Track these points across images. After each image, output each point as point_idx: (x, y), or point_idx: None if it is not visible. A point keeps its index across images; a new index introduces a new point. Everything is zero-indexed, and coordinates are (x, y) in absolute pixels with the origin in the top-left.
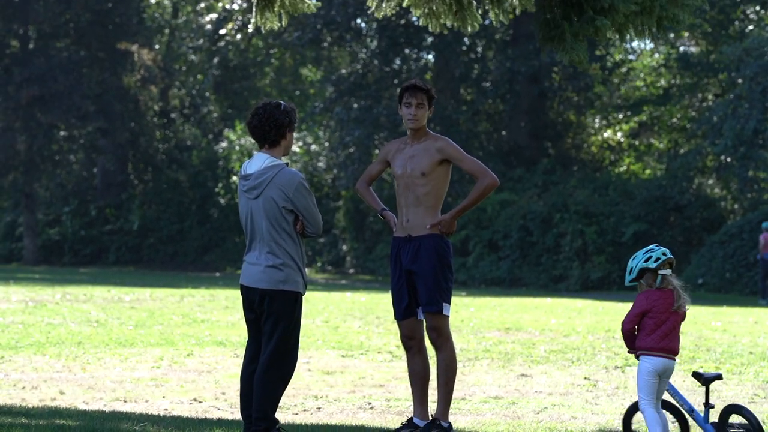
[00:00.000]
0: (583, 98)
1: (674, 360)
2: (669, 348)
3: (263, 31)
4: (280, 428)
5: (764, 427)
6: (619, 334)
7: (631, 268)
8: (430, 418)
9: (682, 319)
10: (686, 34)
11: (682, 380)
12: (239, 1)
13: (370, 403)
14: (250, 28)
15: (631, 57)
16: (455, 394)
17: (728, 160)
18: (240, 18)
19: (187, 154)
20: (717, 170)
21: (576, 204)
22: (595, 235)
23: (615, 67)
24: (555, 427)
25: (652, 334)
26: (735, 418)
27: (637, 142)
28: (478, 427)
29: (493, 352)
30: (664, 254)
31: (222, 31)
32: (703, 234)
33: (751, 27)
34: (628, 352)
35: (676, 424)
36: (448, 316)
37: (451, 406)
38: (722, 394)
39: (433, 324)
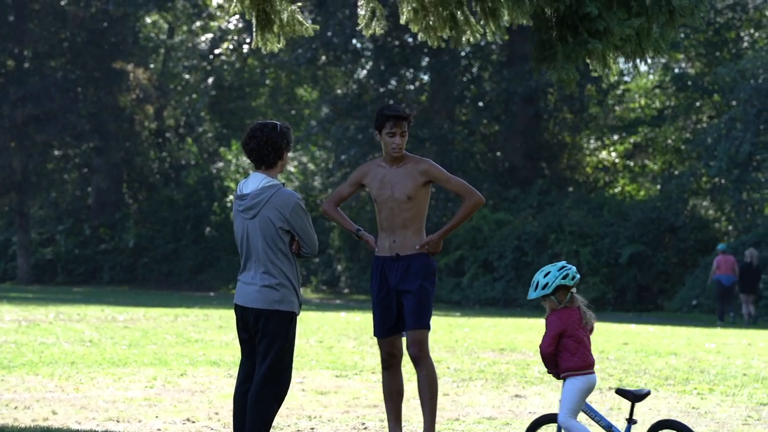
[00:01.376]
0: (578, 119)
1: (595, 373)
2: (591, 363)
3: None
4: None
5: None
6: (613, 355)
7: (546, 283)
8: None
9: (591, 332)
10: (681, 56)
11: (676, 401)
12: (234, 21)
13: (363, 424)
14: (245, 49)
15: (626, 78)
16: (449, 414)
17: (722, 182)
18: (235, 38)
19: (183, 174)
20: (711, 192)
21: (571, 225)
22: (589, 256)
23: (610, 89)
24: None
25: (576, 354)
26: None
27: (631, 163)
28: None
29: (488, 373)
30: (576, 273)
31: (217, 51)
32: (697, 255)
33: (745, 45)
34: (549, 372)
35: None
36: (429, 330)
37: (445, 426)
38: (716, 416)
39: (415, 338)
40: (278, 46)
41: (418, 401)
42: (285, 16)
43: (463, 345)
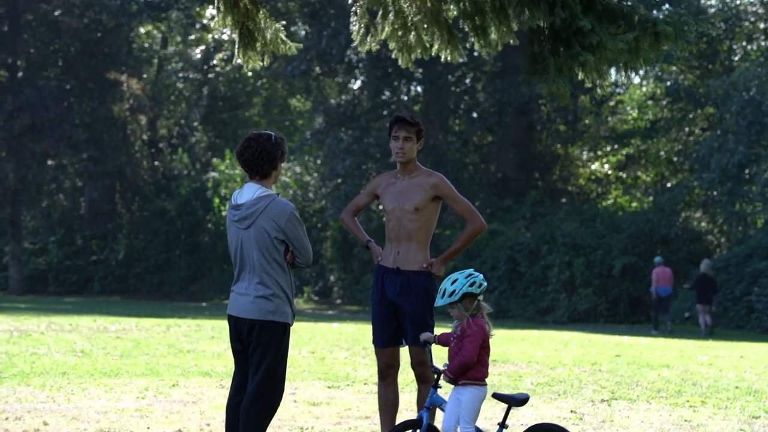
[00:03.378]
0: (571, 130)
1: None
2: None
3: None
4: None
5: None
6: (606, 367)
7: (454, 290)
8: None
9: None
10: (674, 68)
11: (668, 414)
12: (228, 32)
13: None
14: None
15: (619, 90)
16: (440, 426)
17: (715, 194)
18: (230, 49)
19: (174, 184)
20: (704, 204)
21: (564, 236)
22: (582, 267)
23: (604, 100)
24: None
25: (485, 365)
26: None
27: (624, 175)
28: None
29: None
30: (483, 281)
31: (212, 63)
32: (689, 267)
33: (736, 58)
34: (448, 380)
35: None
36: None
37: None
38: (708, 429)
39: (420, 359)
40: (260, 64)
41: (413, 413)
42: (269, 34)
43: None
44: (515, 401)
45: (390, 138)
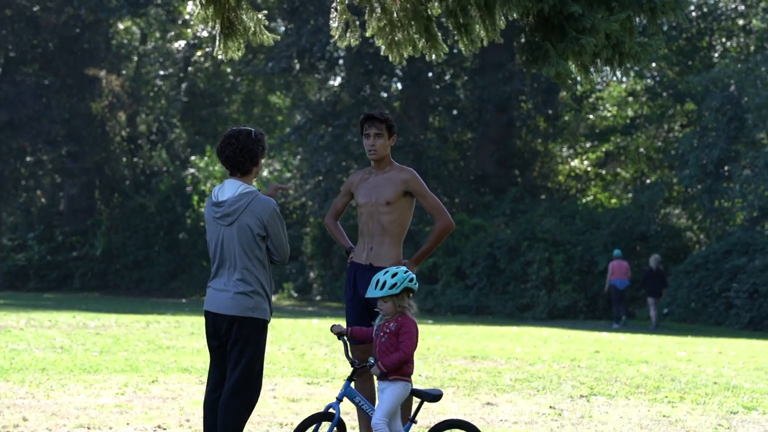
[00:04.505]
0: (550, 127)
1: None
2: None
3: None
4: None
5: None
6: (585, 363)
7: (395, 283)
8: None
9: None
10: (653, 64)
11: (647, 409)
12: (208, 29)
13: None
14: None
15: (599, 87)
16: (420, 422)
17: (694, 190)
18: (209, 45)
19: (154, 180)
20: (683, 201)
21: (543, 232)
22: (562, 264)
23: (584, 97)
24: None
25: (412, 361)
26: None
27: (603, 172)
28: None
29: (459, 381)
30: (416, 279)
31: (192, 59)
32: (668, 264)
33: (716, 55)
34: (381, 376)
35: None
36: None
37: None
38: (686, 424)
39: None
40: (238, 54)
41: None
42: (252, 24)
43: (434, 352)
44: (428, 397)
45: (362, 136)
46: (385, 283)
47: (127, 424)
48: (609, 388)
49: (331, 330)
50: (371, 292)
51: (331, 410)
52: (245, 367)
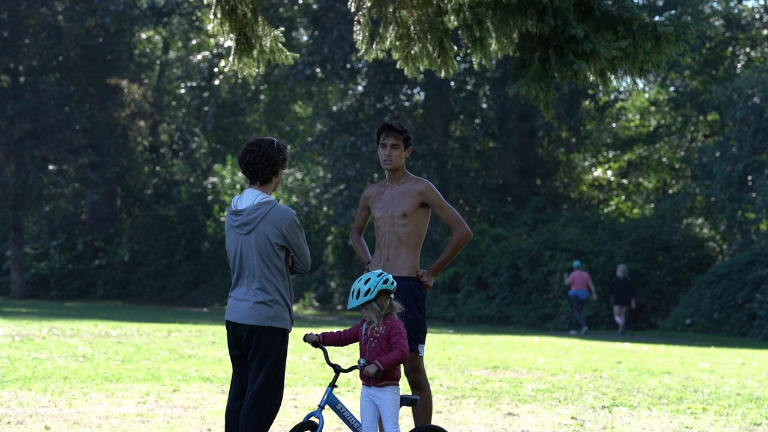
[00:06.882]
0: (573, 137)
1: None
2: None
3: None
4: None
5: None
6: (607, 373)
7: (369, 289)
8: None
9: None
10: (675, 75)
11: (669, 421)
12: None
13: None
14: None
15: (622, 97)
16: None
17: (717, 200)
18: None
19: (175, 189)
20: (706, 211)
21: (565, 242)
22: None
23: (607, 106)
24: None
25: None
26: None
27: (626, 182)
28: None
29: (480, 391)
30: (393, 279)
31: (215, 70)
32: (691, 274)
33: (740, 65)
34: (377, 383)
35: None
36: (420, 354)
37: None
38: None
39: (414, 365)
40: (256, 71)
41: (410, 418)
42: (268, 42)
43: (456, 362)
44: (405, 401)
45: (378, 145)
46: (359, 291)
47: None
48: (631, 399)
49: (304, 339)
50: (350, 303)
51: (313, 419)
52: (266, 377)
